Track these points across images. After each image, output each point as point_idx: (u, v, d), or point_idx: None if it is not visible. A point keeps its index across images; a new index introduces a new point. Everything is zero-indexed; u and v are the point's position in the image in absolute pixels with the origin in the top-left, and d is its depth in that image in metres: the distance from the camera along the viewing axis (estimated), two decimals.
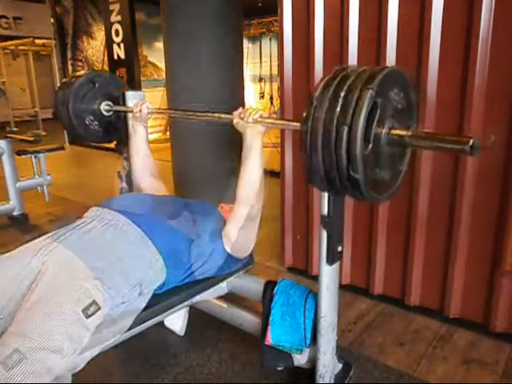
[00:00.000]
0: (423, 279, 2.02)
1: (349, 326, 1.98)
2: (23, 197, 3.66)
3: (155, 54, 9.23)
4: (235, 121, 1.41)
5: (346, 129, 0.90)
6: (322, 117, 0.94)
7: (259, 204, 1.44)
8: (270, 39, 10.35)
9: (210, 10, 2.86)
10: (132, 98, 1.97)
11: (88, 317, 1.10)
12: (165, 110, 2.05)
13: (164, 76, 3.32)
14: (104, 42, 6.62)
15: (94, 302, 1.12)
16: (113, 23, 5.78)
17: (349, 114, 0.90)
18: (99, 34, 7.97)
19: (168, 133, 6.47)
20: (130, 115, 1.92)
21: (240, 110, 1.42)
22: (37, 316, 1.04)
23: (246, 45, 9.65)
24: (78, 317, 1.08)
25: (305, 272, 2.44)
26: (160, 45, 7.56)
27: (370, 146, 0.95)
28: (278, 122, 1.55)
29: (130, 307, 1.26)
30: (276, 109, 9.91)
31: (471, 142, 0.89)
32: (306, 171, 1.03)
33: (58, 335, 1.02)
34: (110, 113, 2.01)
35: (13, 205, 3.59)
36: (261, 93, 11.21)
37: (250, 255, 1.63)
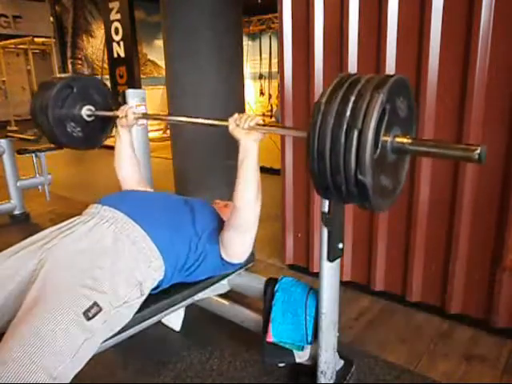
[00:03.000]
0: (424, 275, 2.02)
1: (350, 323, 1.99)
2: (24, 196, 3.67)
3: (155, 52, 9.24)
4: (231, 127, 1.35)
5: (356, 133, 0.89)
6: (331, 121, 0.92)
7: (256, 211, 1.39)
8: (270, 36, 10.35)
9: (210, 8, 2.86)
10: (133, 96, 1.98)
11: (89, 319, 1.09)
12: (155, 115, 1.92)
13: (164, 74, 3.31)
14: (104, 41, 6.62)
15: (95, 304, 1.11)
16: (112, 21, 5.77)
17: (360, 117, 0.89)
18: (99, 32, 7.97)
19: (168, 131, 6.48)
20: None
21: (236, 116, 1.35)
22: (37, 319, 1.03)
23: (246, 42, 9.65)
24: (79, 320, 1.07)
25: (306, 269, 2.44)
26: (160, 43, 7.55)
27: (378, 151, 0.94)
28: (275, 128, 1.45)
29: (130, 307, 1.25)
30: (274, 111, 9.90)
31: (479, 149, 0.87)
32: (312, 177, 1.01)
33: (58, 339, 1.01)
34: (92, 118, 1.93)
35: (14, 204, 3.59)
36: (260, 90, 11.22)
37: (252, 253, 1.63)
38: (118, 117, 1.73)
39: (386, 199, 1.05)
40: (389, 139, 0.98)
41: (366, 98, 0.90)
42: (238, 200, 1.36)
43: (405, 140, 0.99)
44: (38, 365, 0.97)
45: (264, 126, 1.34)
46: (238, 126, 1.33)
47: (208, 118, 1.50)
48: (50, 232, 1.32)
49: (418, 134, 1.83)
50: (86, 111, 1.90)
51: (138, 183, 1.75)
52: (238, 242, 1.47)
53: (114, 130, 1.92)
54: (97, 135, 1.98)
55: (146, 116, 1.78)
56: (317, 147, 0.95)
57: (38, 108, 1.82)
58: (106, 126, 1.98)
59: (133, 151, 1.77)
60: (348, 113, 0.91)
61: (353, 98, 0.92)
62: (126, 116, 1.69)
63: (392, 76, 0.95)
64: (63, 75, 1.96)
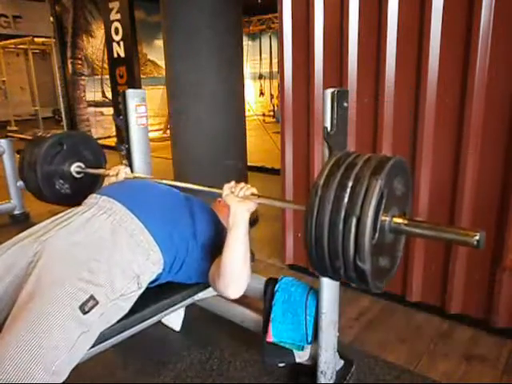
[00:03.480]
0: (424, 275, 2.02)
1: (350, 323, 1.99)
2: (24, 196, 3.66)
3: (155, 52, 9.23)
4: (225, 193, 1.34)
5: (354, 220, 0.88)
6: (329, 207, 0.91)
7: (242, 279, 1.33)
8: (270, 36, 10.35)
9: (210, 8, 2.86)
10: (132, 96, 1.97)
11: (85, 313, 1.08)
12: (148, 178, 1.81)
13: (164, 74, 3.31)
14: (104, 41, 6.61)
15: (91, 297, 1.10)
16: (112, 21, 5.77)
17: (358, 204, 0.88)
18: (99, 32, 7.96)
19: (168, 131, 6.48)
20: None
21: (232, 183, 1.36)
22: (33, 313, 1.02)
23: (246, 42, 9.64)
24: (75, 313, 1.06)
25: (306, 269, 2.44)
26: (160, 43, 7.55)
27: (377, 235, 0.93)
28: (270, 200, 1.34)
29: (127, 300, 1.24)
30: (276, 109, 9.91)
31: (478, 236, 0.86)
32: (310, 260, 1.00)
33: (54, 334, 1.01)
34: (81, 175, 1.93)
35: (13, 204, 3.60)
36: (260, 90, 11.23)
37: (252, 253, 1.63)
38: (107, 175, 1.74)
39: (384, 279, 1.04)
40: (387, 220, 0.96)
41: (364, 183, 0.89)
42: (224, 266, 1.31)
43: (401, 221, 0.97)
44: (35, 360, 0.96)
45: (259, 196, 1.32)
46: (232, 193, 1.33)
47: (201, 185, 1.48)
48: (47, 224, 1.30)
49: (418, 134, 1.85)
50: (75, 168, 1.91)
51: None
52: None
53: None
54: (84, 191, 1.86)
55: (137, 177, 1.78)
56: (314, 233, 0.94)
57: (27, 163, 1.81)
58: (94, 181, 1.98)
59: None
60: (346, 199, 0.90)
61: (350, 184, 0.91)
62: (117, 175, 1.71)
63: (389, 159, 0.94)
64: (54, 132, 1.92)
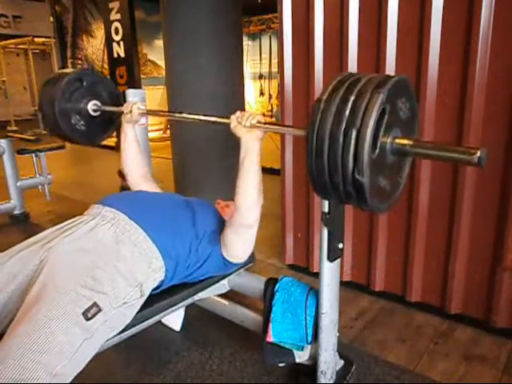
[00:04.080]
0: (424, 275, 2.02)
1: (350, 323, 1.99)
2: (24, 196, 3.67)
3: (155, 52, 9.23)
4: (232, 125, 1.35)
5: (354, 132, 0.89)
6: (330, 120, 0.92)
7: (257, 211, 1.39)
8: (270, 36, 10.35)
9: (210, 8, 2.86)
10: (133, 96, 1.98)
11: (88, 319, 1.09)
12: (158, 111, 1.94)
13: (164, 74, 3.32)
14: (104, 41, 6.62)
15: (94, 304, 1.11)
16: (112, 21, 5.76)
17: (358, 116, 0.89)
18: (99, 32, 7.97)
19: (168, 131, 6.48)
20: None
21: (238, 113, 1.35)
22: (36, 318, 1.03)
23: (246, 42, 9.65)
24: (78, 319, 1.07)
25: (306, 269, 2.44)
26: (160, 43, 7.56)
27: (377, 151, 0.94)
28: (275, 127, 1.45)
29: (130, 308, 1.25)
30: (275, 111, 9.90)
31: (479, 152, 0.87)
32: (310, 176, 1.01)
33: (57, 338, 1.02)
34: (98, 113, 1.94)
35: (14, 204, 3.59)
36: (260, 90, 11.22)
37: (252, 253, 1.63)
38: (122, 113, 1.75)
39: (383, 201, 1.05)
40: (388, 140, 0.98)
41: (366, 97, 0.90)
42: (239, 199, 1.36)
43: (405, 141, 0.99)
44: (37, 363, 0.97)
45: (265, 124, 1.35)
46: (239, 123, 1.33)
47: (210, 115, 1.50)
48: (51, 232, 1.32)
49: (418, 134, 1.84)
50: (92, 106, 1.92)
51: (144, 177, 1.78)
52: (240, 241, 1.47)
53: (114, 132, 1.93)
54: (99, 131, 2.00)
55: (149, 112, 1.81)
56: (315, 145, 0.95)
57: (46, 98, 1.83)
58: (109, 122, 2.00)
59: (138, 146, 1.80)
60: (347, 112, 0.91)
61: (352, 98, 0.92)
62: (130, 111, 1.71)
63: (393, 76, 0.95)
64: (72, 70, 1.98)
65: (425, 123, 1.80)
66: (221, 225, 1.53)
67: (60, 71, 1.96)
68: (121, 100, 2.04)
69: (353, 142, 0.89)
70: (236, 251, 1.50)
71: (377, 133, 0.92)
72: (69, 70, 1.95)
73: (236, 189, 1.36)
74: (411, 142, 0.99)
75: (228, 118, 1.37)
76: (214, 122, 1.48)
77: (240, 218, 1.39)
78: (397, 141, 0.99)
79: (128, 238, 1.31)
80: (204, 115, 1.53)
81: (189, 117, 1.59)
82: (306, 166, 1.00)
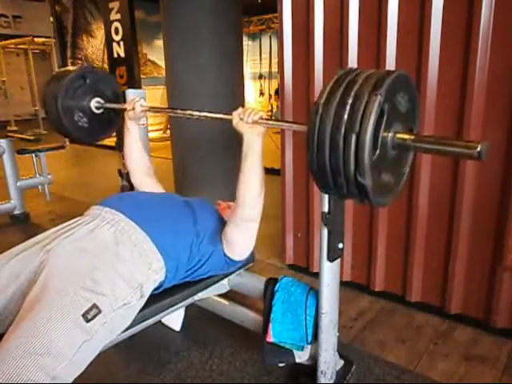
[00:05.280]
0: (424, 275, 2.02)
1: (350, 323, 1.99)
2: (24, 196, 3.67)
3: (155, 52, 9.24)
4: (235, 121, 1.36)
5: (354, 137, 0.88)
6: (329, 125, 0.92)
7: (259, 206, 1.41)
8: (270, 37, 10.35)
9: (210, 8, 2.86)
10: (133, 96, 1.97)
11: (88, 321, 1.09)
12: (161, 108, 1.96)
13: (164, 74, 3.32)
14: (104, 41, 6.62)
15: (94, 306, 1.11)
16: (112, 21, 5.77)
17: (357, 121, 0.89)
18: (99, 32, 7.97)
19: (168, 131, 6.48)
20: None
21: (240, 110, 1.37)
22: (36, 320, 1.03)
23: (246, 42, 9.65)
24: (78, 321, 1.07)
25: (306, 269, 2.44)
26: (160, 43, 7.55)
27: (378, 152, 0.94)
28: (277, 123, 1.47)
29: (130, 309, 1.25)
30: (274, 112, 9.90)
31: (479, 147, 0.87)
32: (313, 176, 1.02)
33: (57, 340, 1.01)
34: (100, 110, 1.95)
35: (14, 204, 3.59)
36: (260, 90, 11.23)
37: (252, 253, 1.64)
38: (125, 110, 1.77)
39: (388, 195, 1.05)
40: (389, 136, 0.98)
41: (364, 100, 0.90)
42: (242, 193, 1.38)
43: (405, 136, 0.99)
44: (37, 364, 0.97)
45: (267, 120, 1.36)
46: (241, 119, 1.34)
47: (212, 112, 1.52)
48: (51, 233, 1.32)
49: (418, 132, 1.84)
50: (94, 103, 1.93)
51: (147, 175, 1.80)
52: (242, 237, 1.48)
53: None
54: (101, 129, 2.01)
55: (152, 109, 1.82)
56: (316, 150, 0.95)
57: (50, 94, 1.84)
58: (112, 120, 2.00)
59: (142, 145, 1.81)
60: (345, 116, 0.91)
61: (350, 101, 0.92)
62: (133, 109, 1.72)
63: (390, 73, 0.94)
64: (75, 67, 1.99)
65: (425, 123, 1.80)
66: (221, 224, 1.53)
67: (63, 69, 1.97)
68: (122, 99, 2.05)
69: (353, 146, 0.89)
70: (238, 248, 1.50)
71: (376, 134, 0.91)
72: (72, 67, 1.95)
73: (238, 184, 1.38)
74: (412, 137, 0.99)
75: (230, 114, 1.38)
76: (216, 119, 1.49)
77: (243, 211, 1.40)
78: (398, 136, 0.99)
79: (128, 238, 1.30)
80: (206, 111, 1.55)
81: (191, 113, 1.61)
82: (309, 168, 1.00)
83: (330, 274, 1.34)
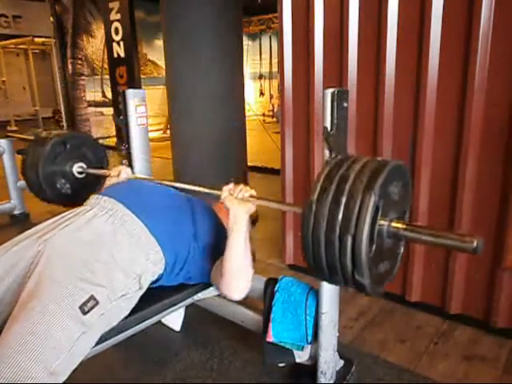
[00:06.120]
0: (424, 275, 2.02)
1: (350, 323, 1.99)
2: (24, 196, 3.66)
3: (155, 52, 9.24)
4: (223, 195, 1.33)
5: (349, 238, 0.86)
6: (324, 225, 0.90)
7: (244, 278, 1.37)
8: (270, 36, 10.36)
9: (210, 8, 2.86)
10: (132, 96, 1.97)
11: (85, 313, 1.08)
12: (149, 179, 1.85)
13: (164, 74, 3.32)
14: (104, 41, 6.62)
15: (91, 297, 1.10)
16: (112, 21, 5.78)
17: (351, 222, 0.86)
18: (99, 32, 7.96)
19: (168, 131, 6.48)
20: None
21: (231, 185, 1.35)
22: (33, 313, 1.02)
23: (246, 42, 9.65)
24: (75, 313, 1.06)
25: (306, 269, 2.42)
26: (160, 43, 7.55)
27: (374, 246, 0.91)
28: (269, 202, 1.34)
29: (128, 300, 1.24)
30: (276, 110, 9.91)
31: (475, 242, 0.84)
32: (311, 271, 1.01)
33: (54, 333, 1.01)
34: (83, 175, 1.94)
35: (14, 204, 3.59)
36: (260, 90, 11.23)
37: (253, 254, 1.63)
38: (108, 175, 1.75)
39: (384, 281, 1.03)
40: (385, 226, 0.94)
41: (358, 199, 0.86)
42: (226, 265, 1.34)
43: (399, 225, 0.95)
44: (35, 360, 0.96)
45: (258, 198, 1.32)
46: (231, 194, 1.32)
47: (201, 186, 1.47)
48: (49, 224, 1.31)
49: (418, 134, 1.85)
50: (77, 168, 1.93)
51: None
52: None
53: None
54: (84, 192, 1.88)
55: (136, 176, 1.80)
56: (312, 246, 0.94)
57: (30, 163, 1.83)
58: (95, 182, 1.99)
59: None
60: (340, 216, 0.88)
61: (344, 200, 0.88)
62: (118, 175, 1.72)
63: (384, 166, 0.91)
64: (57, 132, 1.94)
65: (425, 124, 1.81)
66: (218, 237, 1.49)
67: (43, 135, 1.93)
68: (105, 161, 2.07)
69: (349, 247, 0.86)
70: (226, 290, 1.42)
71: (372, 230, 0.88)
72: (54, 132, 1.93)
73: (223, 261, 1.35)
74: (406, 227, 0.95)
75: (220, 189, 1.35)
76: (205, 193, 1.44)
77: (223, 287, 1.37)
78: (393, 224, 0.95)
79: (126, 229, 1.29)
80: (194, 185, 1.50)
81: (178, 186, 1.56)
82: (307, 264, 1.00)
83: None
